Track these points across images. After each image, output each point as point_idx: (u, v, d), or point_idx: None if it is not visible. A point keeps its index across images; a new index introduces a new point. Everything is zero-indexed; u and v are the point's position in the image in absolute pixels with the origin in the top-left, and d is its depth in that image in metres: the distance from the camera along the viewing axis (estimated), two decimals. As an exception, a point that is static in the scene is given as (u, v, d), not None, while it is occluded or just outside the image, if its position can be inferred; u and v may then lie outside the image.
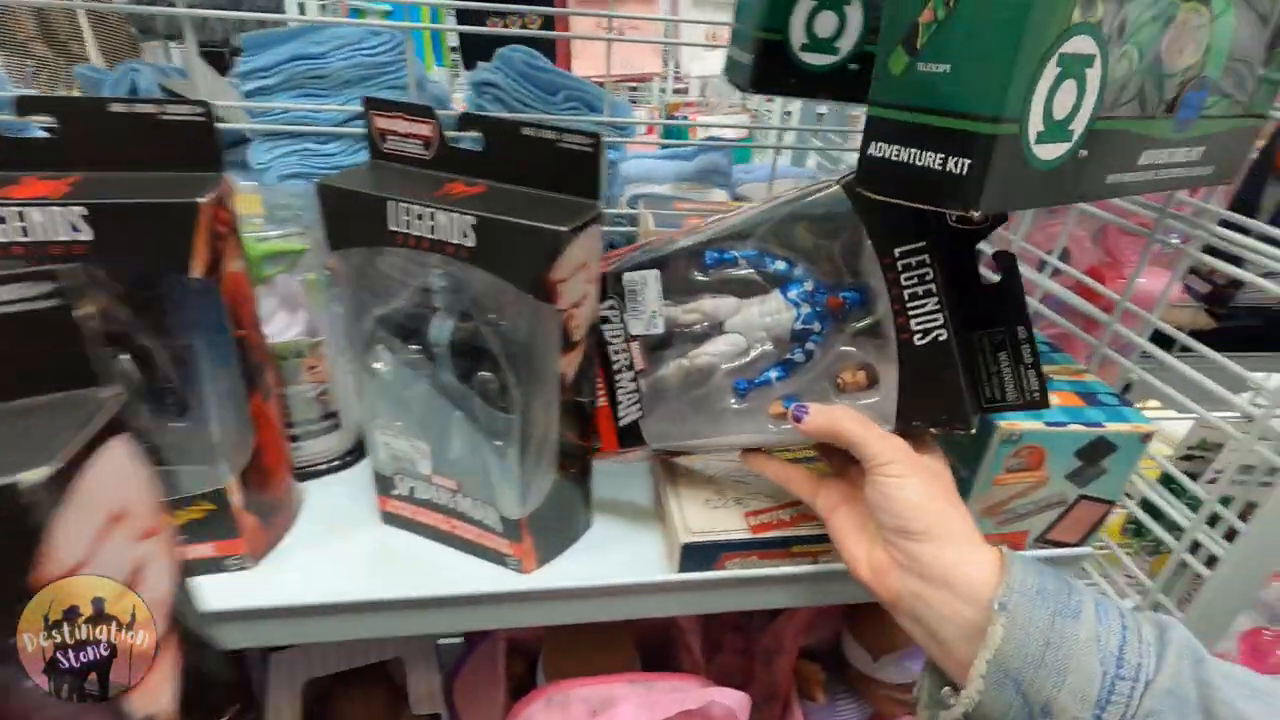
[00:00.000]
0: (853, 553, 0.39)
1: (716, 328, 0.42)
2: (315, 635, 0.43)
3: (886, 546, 0.37)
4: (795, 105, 1.15)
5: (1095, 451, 0.43)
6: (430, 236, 0.37)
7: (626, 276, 0.42)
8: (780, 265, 0.40)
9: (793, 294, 0.40)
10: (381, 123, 0.41)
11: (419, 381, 0.43)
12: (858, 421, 0.38)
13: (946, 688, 0.36)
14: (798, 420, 0.39)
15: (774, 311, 0.40)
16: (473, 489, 0.44)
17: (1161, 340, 0.54)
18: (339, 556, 0.45)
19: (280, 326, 0.50)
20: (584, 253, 0.37)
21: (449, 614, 0.42)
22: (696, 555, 0.44)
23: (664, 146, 0.90)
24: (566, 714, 0.48)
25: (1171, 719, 0.29)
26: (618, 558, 0.46)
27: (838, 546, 0.40)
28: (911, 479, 0.36)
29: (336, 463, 0.53)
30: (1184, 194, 0.51)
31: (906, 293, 0.37)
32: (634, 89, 2.11)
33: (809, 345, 0.40)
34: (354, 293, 0.41)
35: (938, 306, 0.37)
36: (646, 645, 0.60)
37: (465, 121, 0.39)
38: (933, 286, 0.36)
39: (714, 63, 2.22)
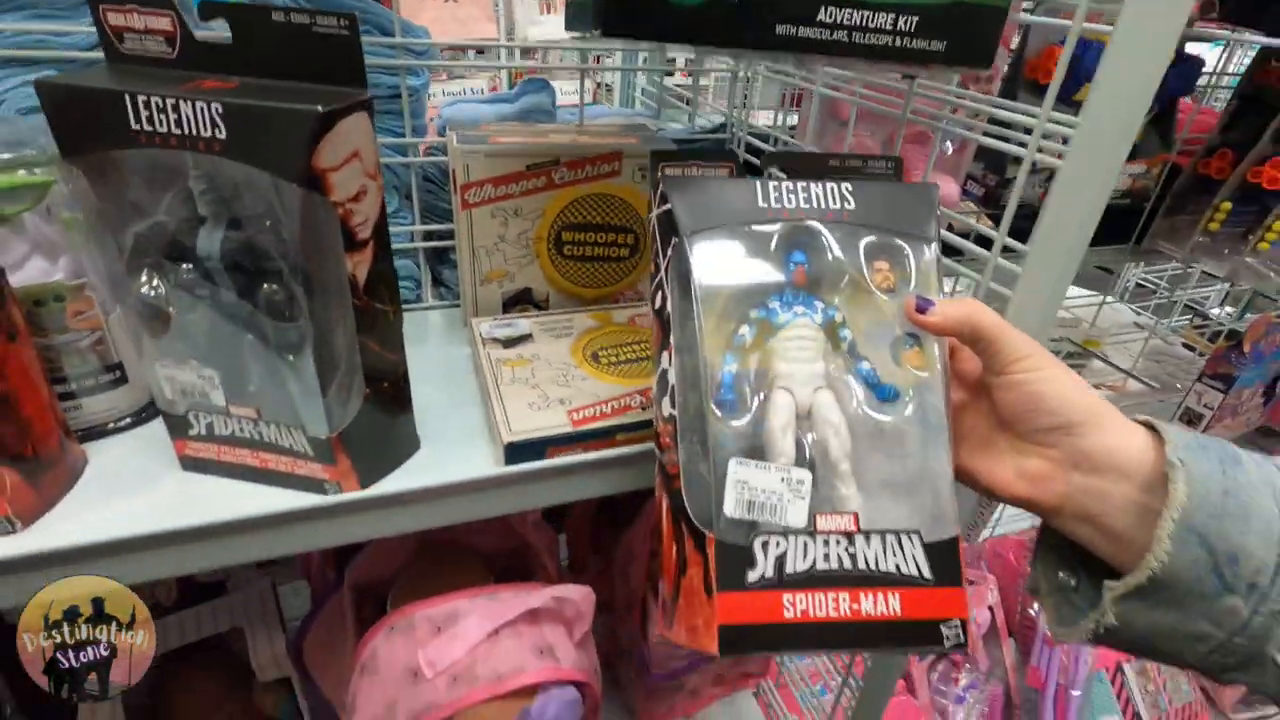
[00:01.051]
0: (994, 475, 0.36)
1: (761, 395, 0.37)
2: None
3: (1042, 450, 0.35)
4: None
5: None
6: (177, 132, 0.34)
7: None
8: None
9: (793, 308, 0.38)
10: (114, 18, 0.37)
11: (197, 304, 0.40)
12: (987, 310, 0.35)
13: (1063, 572, 0.35)
14: (922, 311, 0.36)
15: (800, 338, 0.37)
16: (275, 413, 0.42)
17: (951, 250, 0.60)
18: (132, 508, 0.41)
19: (37, 273, 0.45)
20: (353, 140, 0.35)
21: (259, 539, 0.40)
22: (521, 454, 0.45)
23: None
24: (411, 638, 0.47)
25: None
26: (449, 474, 0.45)
27: (970, 475, 0.37)
28: (1055, 369, 0.34)
29: (128, 420, 0.49)
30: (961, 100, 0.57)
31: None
32: (480, 53, 2.05)
33: (843, 331, 0.38)
34: (103, 210, 0.38)
35: None
36: (502, 575, 0.60)
37: (207, 10, 0.36)
38: None
39: (553, 27, 2.20)
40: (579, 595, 0.49)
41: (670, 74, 0.95)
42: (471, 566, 0.56)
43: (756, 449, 0.35)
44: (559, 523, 0.76)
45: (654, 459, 0.47)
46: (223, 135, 0.34)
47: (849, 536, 0.35)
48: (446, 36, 1.35)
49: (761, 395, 0.36)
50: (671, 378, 0.37)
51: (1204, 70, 0.85)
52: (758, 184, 0.39)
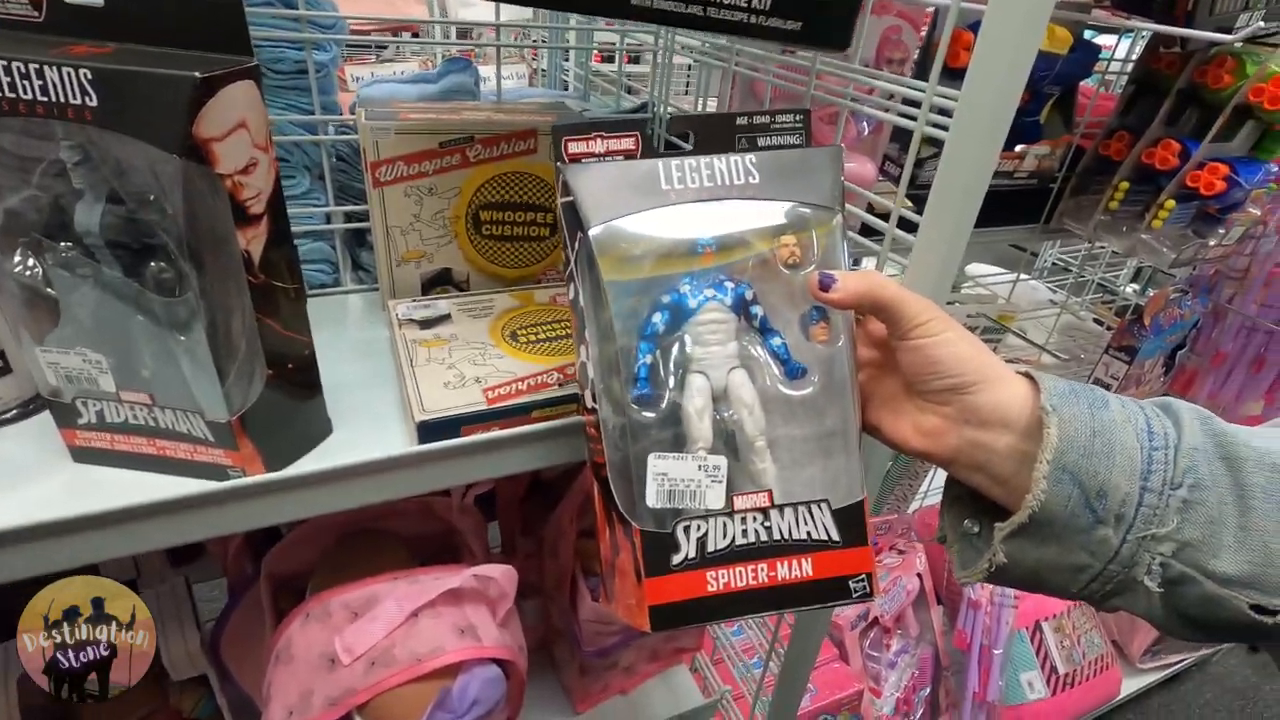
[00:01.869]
0: (896, 431, 0.39)
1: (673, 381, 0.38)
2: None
3: (937, 407, 0.37)
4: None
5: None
6: (43, 99, 0.32)
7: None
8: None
9: (703, 291, 0.38)
10: (-31, -21, 0.35)
11: (80, 284, 0.38)
12: (887, 282, 0.37)
13: (967, 520, 0.38)
14: (825, 289, 0.37)
15: (713, 321, 0.38)
16: (170, 398, 0.40)
17: (871, 231, 0.62)
18: (21, 500, 0.39)
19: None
20: (239, 109, 0.34)
21: (159, 526, 0.39)
22: (434, 432, 0.44)
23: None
24: (327, 624, 0.46)
25: (1203, 470, 0.32)
26: (360, 454, 0.44)
27: (876, 431, 0.40)
28: (950, 332, 0.36)
29: (14, 412, 0.46)
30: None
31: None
32: (416, 37, 1.99)
33: (754, 308, 0.38)
34: (-32, 184, 0.35)
35: None
36: (427, 561, 0.59)
37: (75, -29, 0.34)
38: None
39: (484, 10, 2.15)
40: (500, 574, 0.49)
41: (611, 58, 0.95)
42: (394, 553, 0.55)
43: (677, 435, 0.37)
44: (490, 509, 0.75)
45: (572, 433, 0.47)
46: (93, 103, 0.32)
47: (764, 512, 0.37)
48: (371, 13, 1.31)
49: (677, 381, 0.37)
50: (590, 371, 0.38)
51: (1102, 56, 0.90)
52: (659, 165, 0.38)
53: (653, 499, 0.36)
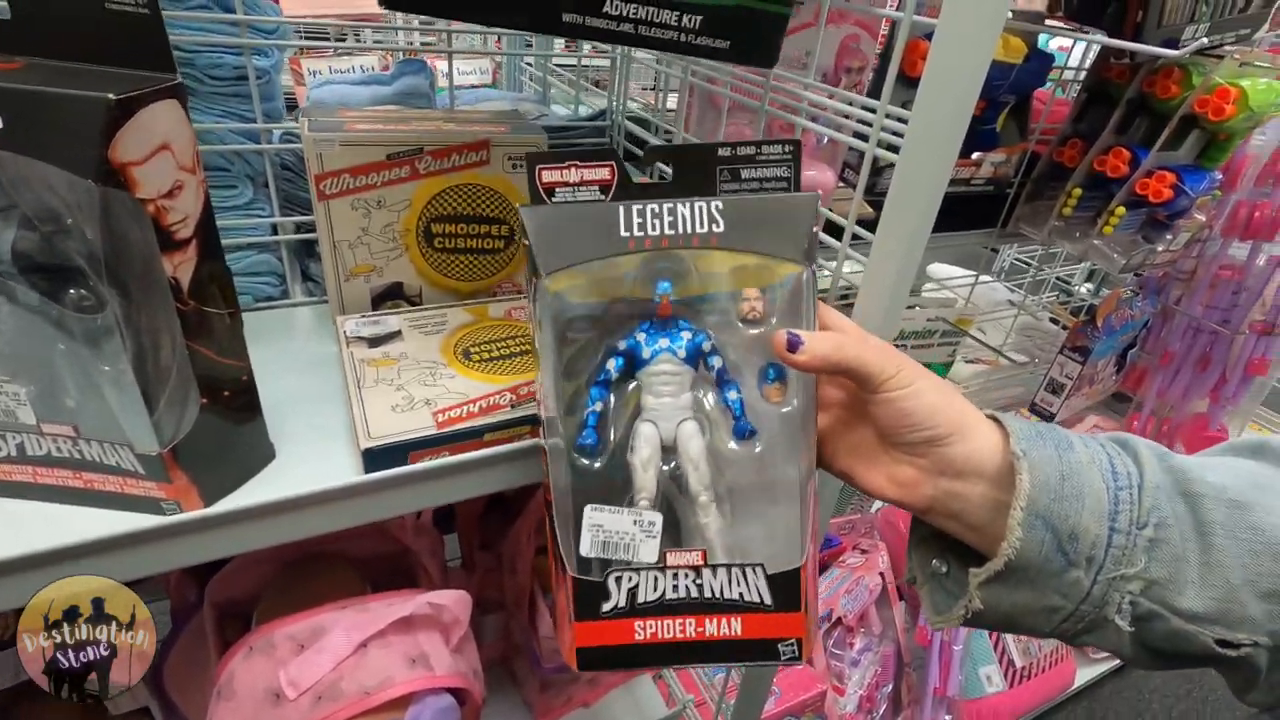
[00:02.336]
0: (872, 482, 0.38)
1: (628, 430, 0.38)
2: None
3: (912, 459, 0.36)
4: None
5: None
6: (-57, 120, 0.30)
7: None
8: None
9: (658, 341, 0.38)
10: None
11: (-7, 312, 0.36)
12: (853, 342, 0.35)
13: (935, 560, 0.38)
14: (792, 349, 0.35)
15: (665, 373, 0.38)
16: (96, 430, 0.38)
17: (835, 230, 0.62)
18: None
19: None
20: (160, 130, 0.32)
21: (89, 567, 0.37)
22: (381, 459, 0.43)
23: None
24: (272, 657, 0.45)
25: (1165, 509, 0.32)
26: (303, 485, 0.43)
27: (849, 479, 0.39)
28: (920, 382, 0.35)
29: (-70, 442, 0.43)
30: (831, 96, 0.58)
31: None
32: (377, 30, 1.93)
33: (711, 359, 0.38)
34: None
35: None
36: (380, 582, 0.58)
37: (-23, -19, 0.32)
38: None
39: (446, 4, 2.10)
40: (453, 600, 0.48)
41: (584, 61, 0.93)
42: (344, 576, 0.54)
43: (616, 485, 0.37)
44: (450, 522, 0.74)
45: (526, 456, 0.46)
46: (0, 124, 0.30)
47: (696, 570, 0.37)
48: (327, 9, 1.27)
49: (626, 428, 0.38)
50: (543, 411, 0.38)
51: (1055, 65, 0.91)
52: (619, 211, 0.37)
53: (587, 548, 0.37)
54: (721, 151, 0.39)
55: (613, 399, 0.38)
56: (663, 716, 0.75)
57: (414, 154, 0.53)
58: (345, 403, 0.49)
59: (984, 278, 1.29)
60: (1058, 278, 1.59)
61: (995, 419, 0.36)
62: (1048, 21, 0.81)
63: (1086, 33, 0.79)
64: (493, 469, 0.45)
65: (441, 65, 1.50)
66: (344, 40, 1.72)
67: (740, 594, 0.37)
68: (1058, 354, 1.14)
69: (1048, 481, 0.32)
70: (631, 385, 0.39)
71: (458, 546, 0.77)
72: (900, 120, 0.39)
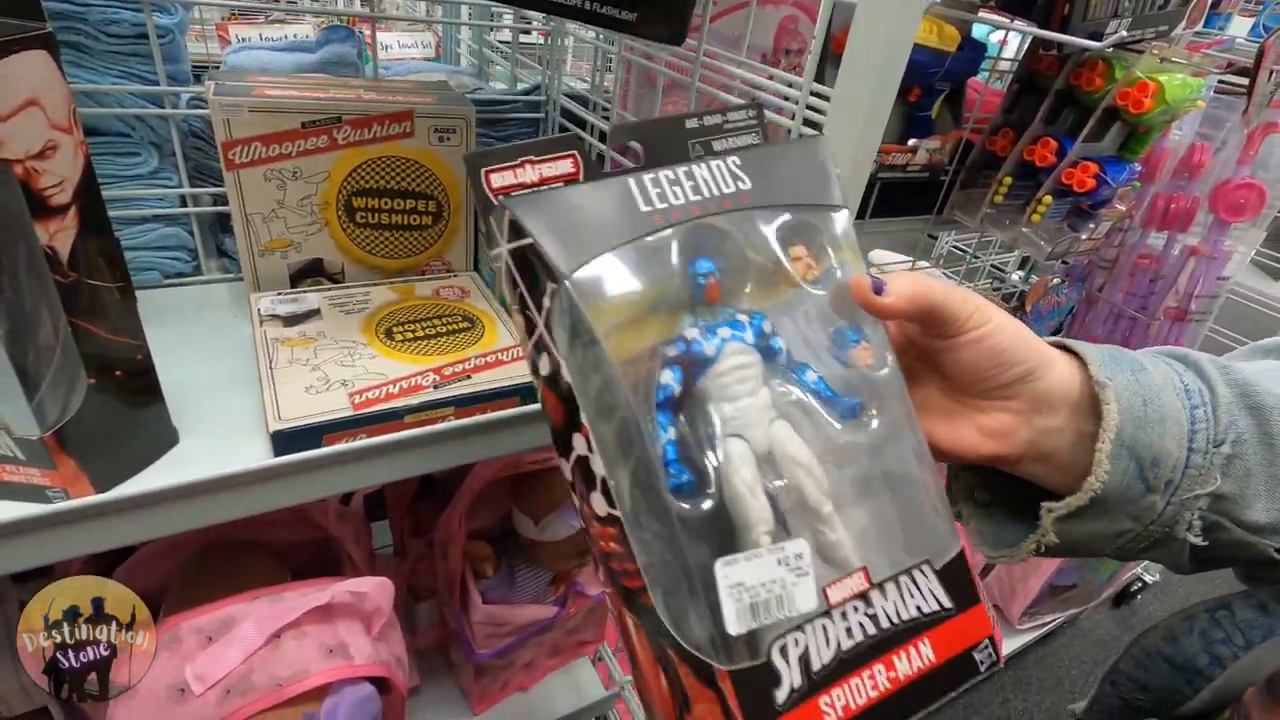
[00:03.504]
0: (956, 441, 0.34)
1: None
2: None
3: (1003, 403, 0.33)
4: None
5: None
6: None
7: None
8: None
9: (717, 332, 0.29)
10: None
11: None
12: (932, 279, 0.32)
13: (978, 490, 0.35)
14: (878, 293, 0.31)
15: (738, 368, 0.29)
16: (-33, 413, 0.35)
17: None
18: None
19: None
20: (26, 84, 0.30)
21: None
22: (291, 442, 0.41)
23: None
24: (177, 652, 0.42)
25: (1241, 424, 0.31)
26: (208, 469, 0.40)
27: (936, 452, 0.34)
28: (1001, 317, 0.32)
29: None
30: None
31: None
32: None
33: (774, 341, 0.31)
34: None
35: None
36: (302, 570, 0.56)
37: None
38: None
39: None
40: (374, 587, 0.46)
41: (525, 32, 0.90)
42: (261, 566, 0.51)
43: (727, 530, 0.28)
44: (381, 510, 0.72)
45: (449, 439, 0.45)
46: None
47: (863, 597, 0.29)
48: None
49: (713, 453, 0.28)
50: (598, 466, 0.27)
51: (990, 56, 0.93)
52: (631, 183, 0.29)
53: (734, 623, 0.26)
54: (690, 123, 0.35)
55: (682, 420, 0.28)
56: (600, 697, 0.75)
57: (332, 123, 0.50)
58: (257, 386, 0.47)
59: (921, 264, 1.32)
60: (993, 265, 1.64)
61: (1062, 346, 0.33)
62: (981, 12, 0.83)
63: (1016, 23, 0.81)
64: (413, 452, 0.43)
65: (382, 36, 1.44)
66: (274, 2, 1.64)
67: (918, 607, 0.30)
68: (989, 338, 1.18)
69: (1131, 408, 0.30)
70: (690, 401, 0.29)
71: (389, 534, 0.75)
72: (823, 98, 0.39)
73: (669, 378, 0.28)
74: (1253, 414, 0.32)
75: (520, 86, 0.74)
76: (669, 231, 0.29)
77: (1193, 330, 1.16)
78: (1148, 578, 1.70)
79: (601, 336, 0.27)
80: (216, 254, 0.63)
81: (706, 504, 0.27)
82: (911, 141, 0.87)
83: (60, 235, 0.33)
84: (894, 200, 0.92)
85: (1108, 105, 0.82)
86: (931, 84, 0.83)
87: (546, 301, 0.28)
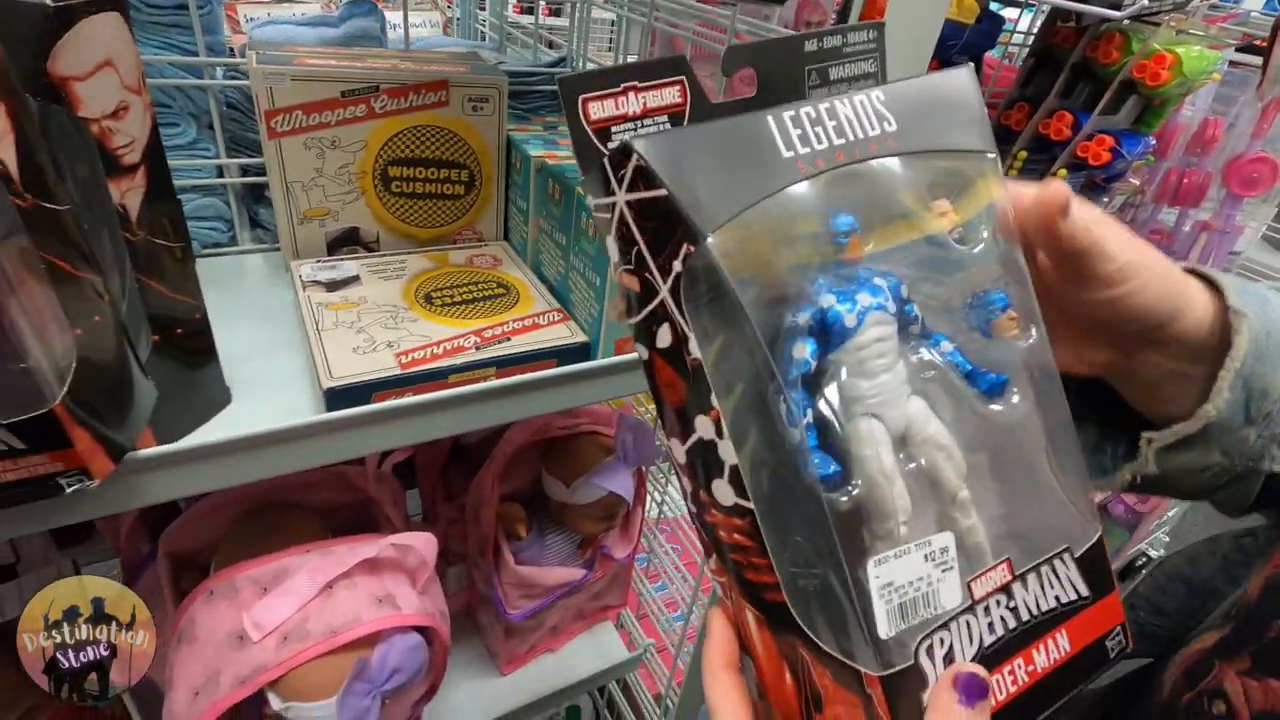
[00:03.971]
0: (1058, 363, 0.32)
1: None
2: None
3: (1119, 340, 0.31)
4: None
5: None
6: None
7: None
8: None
9: (857, 299, 0.25)
10: None
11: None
12: (1097, 212, 0.28)
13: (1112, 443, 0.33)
14: (1065, 214, 0.27)
15: (878, 340, 0.26)
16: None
17: None
18: None
19: None
20: (103, 44, 0.31)
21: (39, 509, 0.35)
22: (343, 399, 0.42)
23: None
24: (235, 601, 0.44)
25: None
26: (264, 424, 0.42)
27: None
28: (1150, 267, 0.29)
29: None
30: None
31: None
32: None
33: (909, 307, 0.27)
34: None
35: None
36: (342, 531, 0.57)
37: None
38: None
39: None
40: (420, 542, 0.48)
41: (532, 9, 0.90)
42: (305, 524, 0.53)
43: (867, 522, 0.25)
44: (411, 476, 0.74)
45: (491, 398, 0.46)
46: (-77, 30, 0.28)
47: (1006, 590, 0.27)
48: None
49: (850, 436, 0.25)
50: (727, 453, 0.24)
51: (1005, 31, 0.93)
52: (771, 123, 0.24)
53: (885, 626, 0.24)
54: (808, 45, 0.30)
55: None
56: (623, 660, 0.78)
57: (370, 92, 0.51)
58: (304, 348, 0.48)
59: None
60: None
61: (1195, 273, 0.31)
62: (999, -17, 0.83)
63: (1036, -5, 0.81)
64: (456, 410, 0.45)
65: (391, 15, 1.44)
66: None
67: (1057, 597, 0.28)
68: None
69: (1256, 339, 0.29)
70: (825, 379, 0.25)
71: (418, 502, 0.77)
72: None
73: (804, 351, 0.24)
74: None
75: (543, 59, 0.75)
76: (809, 182, 0.24)
77: (1203, 305, 1.17)
78: (1152, 553, 1.73)
79: (746, 306, 0.23)
80: (250, 225, 0.64)
81: (851, 495, 0.24)
82: (928, 115, 0.88)
83: (130, 194, 0.34)
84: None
85: (1124, 78, 0.83)
86: (950, 57, 0.83)
87: (676, 265, 0.23)
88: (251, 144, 0.60)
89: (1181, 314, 0.30)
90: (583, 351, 0.50)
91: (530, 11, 1.06)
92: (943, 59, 0.83)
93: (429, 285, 0.53)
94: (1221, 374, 0.29)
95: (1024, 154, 0.93)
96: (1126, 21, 0.83)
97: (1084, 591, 0.28)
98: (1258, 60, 1.01)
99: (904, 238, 0.27)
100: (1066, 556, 0.28)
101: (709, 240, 0.22)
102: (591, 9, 0.67)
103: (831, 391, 0.25)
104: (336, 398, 0.42)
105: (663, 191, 0.23)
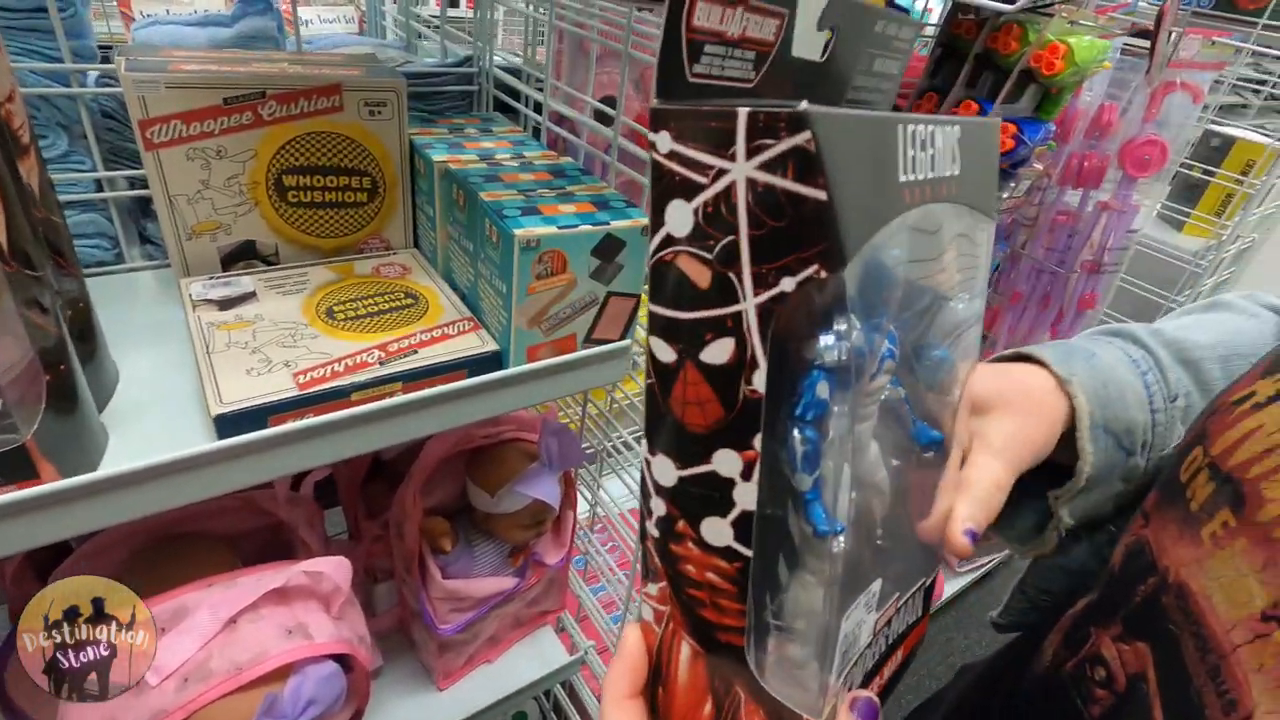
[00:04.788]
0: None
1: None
2: None
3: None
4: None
5: (608, 248, 0.48)
6: None
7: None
8: None
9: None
10: None
11: None
12: (991, 479, 0.30)
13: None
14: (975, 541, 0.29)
15: (880, 388, 0.24)
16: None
17: None
18: None
19: None
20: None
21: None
22: (235, 425, 0.40)
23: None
24: (129, 644, 0.42)
25: (1184, 378, 0.34)
26: (152, 455, 0.39)
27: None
28: (1008, 445, 0.31)
29: None
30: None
31: None
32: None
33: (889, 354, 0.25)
34: None
35: None
36: (256, 558, 0.55)
37: None
38: None
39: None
40: (331, 567, 0.46)
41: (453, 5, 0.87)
42: (210, 557, 0.51)
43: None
44: (332, 496, 0.71)
45: (398, 414, 0.45)
46: None
47: (889, 621, 0.27)
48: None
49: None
50: (744, 497, 0.21)
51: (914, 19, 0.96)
52: (901, 132, 0.21)
53: (835, 673, 0.23)
54: (878, 26, 0.27)
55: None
56: (564, 663, 0.77)
57: (256, 98, 0.49)
58: (196, 372, 0.46)
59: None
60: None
61: (1022, 357, 0.36)
62: (903, -23, 0.85)
63: (937, -11, 0.84)
64: (362, 429, 0.43)
65: (304, 11, 1.37)
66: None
67: (908, 621, 0.29)
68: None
69: (1095, 393, 0.34)
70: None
71: (344, 521, 0.75)
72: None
73: (824, 391, 0.20)
74: (1186, 367, 0.36)
75: (450, 59, 0.73)
76: (908, 214, 0.21)
77: (1106, 281, 1.23)
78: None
79: (858, 363, 0.20)
80: (140, 240, 0.60)
81: (843, 549, 0.22)
82: (842, 107, 0.90)
83: (32, 174, 0.32)
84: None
85: (1023, 67, 0.86)
86: (858, 50, 0.85)
87: (788, 283, 0.18)
88: (134, 155, 0.56)
89: (1056, 429, 0.33)
90: (494, 361, 0.49)
91: (452, 4, 1.03)
92: (852, 52, 0.85)
93: (332, 299, 0.51)
94: (1079, 435, 0.33)
95: (935, 143, 0.95)
96: (1023, 14, 0.86)
97: (919, 613, 0.30)
98: (1148, 44, 1.06)
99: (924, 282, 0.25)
100: (921, 586, 0.30)
101: (847, 269, 0.18)
102: (498, 7, 0.65)
103: (841, 439, 0.21)
104: (228, 424, 0.40)
105: (822, 195, 0.17)
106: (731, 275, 0.19)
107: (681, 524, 0.23)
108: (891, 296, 0.23)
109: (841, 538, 0.21)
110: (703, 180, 0.19)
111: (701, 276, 0.19)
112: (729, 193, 0.18)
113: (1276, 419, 0.23)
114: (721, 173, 0.18)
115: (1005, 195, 0.99)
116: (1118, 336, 0.38)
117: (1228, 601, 0.23)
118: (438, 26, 0.86)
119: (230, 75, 0.48)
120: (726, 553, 0.22)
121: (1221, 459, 0.25)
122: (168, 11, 1.33)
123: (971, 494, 0.29)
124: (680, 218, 0.19)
